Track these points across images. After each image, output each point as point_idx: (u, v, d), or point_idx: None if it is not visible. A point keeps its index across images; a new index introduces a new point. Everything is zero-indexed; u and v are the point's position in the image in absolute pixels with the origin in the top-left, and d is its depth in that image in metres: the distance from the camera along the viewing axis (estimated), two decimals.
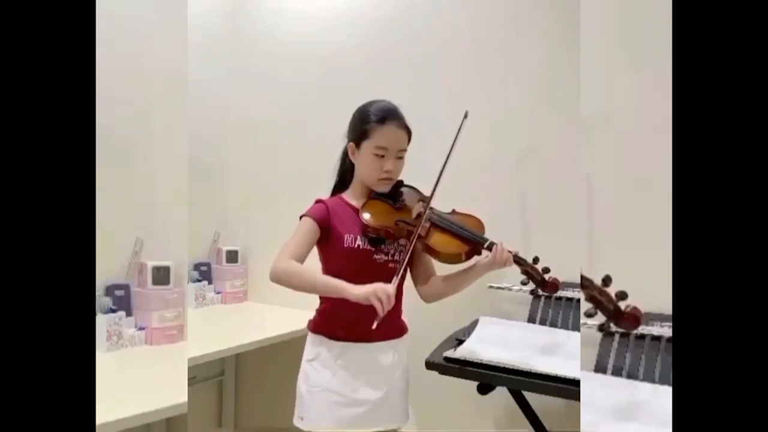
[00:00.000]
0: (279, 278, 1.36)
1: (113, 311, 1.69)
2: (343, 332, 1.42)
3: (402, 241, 1.44)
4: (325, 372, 1.43)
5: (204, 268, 2.31)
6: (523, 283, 1.39)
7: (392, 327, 1.47)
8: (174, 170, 1.85)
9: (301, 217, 1.45)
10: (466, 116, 1.45)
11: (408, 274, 1.50)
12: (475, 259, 1.42)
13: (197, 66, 2.05)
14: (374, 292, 1.26)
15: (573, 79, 1.58)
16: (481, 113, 1.90)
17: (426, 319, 1.65)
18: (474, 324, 1.62)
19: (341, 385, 1.41)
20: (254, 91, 2.40)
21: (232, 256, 2.37)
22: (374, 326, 1.26)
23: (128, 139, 1.80)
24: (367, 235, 1.42)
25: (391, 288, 1.28)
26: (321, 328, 1.47)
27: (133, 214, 1.81)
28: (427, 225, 1.43)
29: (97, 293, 1.67)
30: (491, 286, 1.78)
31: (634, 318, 1.05)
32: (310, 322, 1.51)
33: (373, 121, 1.42)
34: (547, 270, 1.36)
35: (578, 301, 1.65)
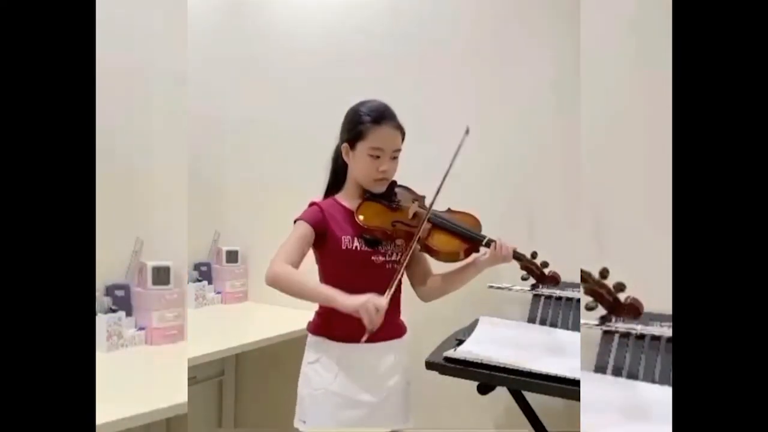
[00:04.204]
0: (275, 282, 1.34)
1: (113, 311, 1.69)
2: (344, 334, 1.39)
3: (399, 241, 1.43)
4: (327, 375, 1.42)
5: (204, 268, 2.31)
6: (524, 279, 1.40)
7: (392, 328, 1.46)
8: (174, 170, 1.85)
9: (295, 221, 1.43)
10: (467, 132, 1.43)
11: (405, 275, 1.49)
12: (473, 256, 1.43)
13: (197, 66, 2.05)
14: (364, 305, 1.23)
15: (578, 75, 1.58)
16: (483, 110, 1.91)
17: (426, 319, 1.65)
18: (474, 324, 1.62)
19: (343, 388, 1.40)
20: (254, 91, 2.40)
21: (232, 256, 2.37)
22: (363, 340, 1.25)
23: (128, 139, 1.80)
24: (363, 237, 1.41)
25: (383, 300, 1.26)
26: (321, 330, 1.46)
27: (133, 214, 1.81)
28: (426, 225, 1.42)
29: (97, 293, 1.67)
30: (491, 286, 1.78)
31: (634, 309, 1.06)
32: (309, 323, 1.50)
33: (367, 122, 1.41)
34: (545, 264, 1.37)
35: (578, 301, 1.65)
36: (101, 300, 1.69)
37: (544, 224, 1.80)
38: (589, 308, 1.06)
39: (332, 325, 1.42)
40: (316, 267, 1.48)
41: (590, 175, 1.54)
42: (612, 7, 1.57)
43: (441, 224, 1.44)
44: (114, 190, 1.68)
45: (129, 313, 1.74)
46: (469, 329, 1.59)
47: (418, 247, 1.43)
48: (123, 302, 1.73)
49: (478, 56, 1.92)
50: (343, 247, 1.40)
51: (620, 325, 1.47)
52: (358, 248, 1.41)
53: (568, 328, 1.63)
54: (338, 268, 1.42)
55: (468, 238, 1.42)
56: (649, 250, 1.37)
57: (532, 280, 1.40)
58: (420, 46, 2.02)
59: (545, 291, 1.72)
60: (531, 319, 1.71)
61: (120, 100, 1.76)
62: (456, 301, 1.56)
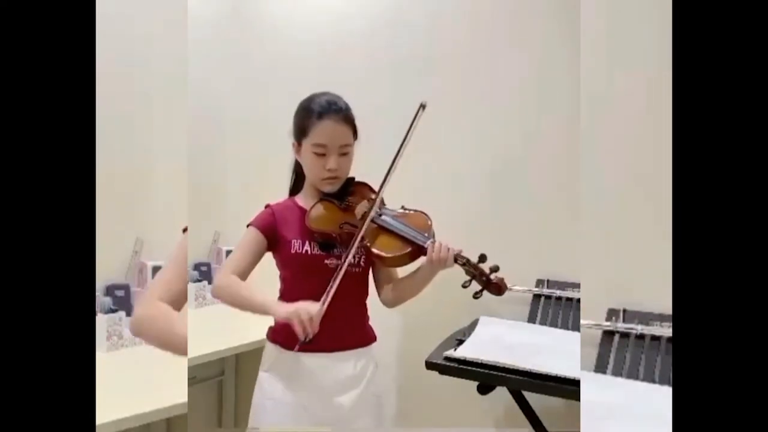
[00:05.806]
0: (219, 295, 1.28)
1: (113, 311, 1.69)
2: (298, 340, 1.23)
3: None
4: (278, 383, 1.33)
5: (204, 268, 2.31)
6: (464, 286, 1.26)
7: (355, 335, 1.37)
8: (174, 170, 1.85)
9: (248, 226, 1.37)
10: (423, 107, 1.29)
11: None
12: (421, 259, 1.30)
13: (197, 66, 2.05)
14: (296, 312, 1.16)
15: (570, 78, 1.58)
16: (477, 112, 1.91)
17: (426, 319, 1.65)
18: (474, 324, 1.62)
19: (295, 398, 1.31)
20: (254, 91, 2.40)
21: None
22: (296, 349, 1.21)
23: (128, 139, 1.80)
24: (317, 240, 1.33)
25: (315, 307, 1.17)
26: (276, 336, 1.35)
27: (133, 214, 1.81)
28: (373, 227, 1.32)
29: (97, 293, 1.68)
30: None
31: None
32: (269, 329, 1.38)
33: (309, 117, 1.33)
34: (495, 269, 1.25)
35: (578, 301, 1.65)
36: (101, 300, 1.69)
37: (541, 225, 1.79)
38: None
39: (289, 332, 1.23)
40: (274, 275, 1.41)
41: (590, 175, 1.54)
42: (612, 6, 1.57)
43: (385, 225, 1.32)
44: (114, 190, 1.68)
45: (129, 313, 1.73)
46: (469, 329, 1.59)
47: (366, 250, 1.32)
48: (123, 302, 1.73)
49: (472, 57, 1.92)
50: (293, 251, 1.32)
51: (620, 325, 1.47)
52: (309, 252, 1.32)
53: (568, 328, 1.63)
54: (292, 273, 1.35)
55: (411, 240, 1.28)
56: (649, 250, 1.37)
57: (476, 286, 1.26)
58: (417, 47, 2.01)
59: (545, 291, 1.72)
60: (531, 319, 1.71)
61: (120, 100, 1.76)
62: (456, 301, 1.56)
